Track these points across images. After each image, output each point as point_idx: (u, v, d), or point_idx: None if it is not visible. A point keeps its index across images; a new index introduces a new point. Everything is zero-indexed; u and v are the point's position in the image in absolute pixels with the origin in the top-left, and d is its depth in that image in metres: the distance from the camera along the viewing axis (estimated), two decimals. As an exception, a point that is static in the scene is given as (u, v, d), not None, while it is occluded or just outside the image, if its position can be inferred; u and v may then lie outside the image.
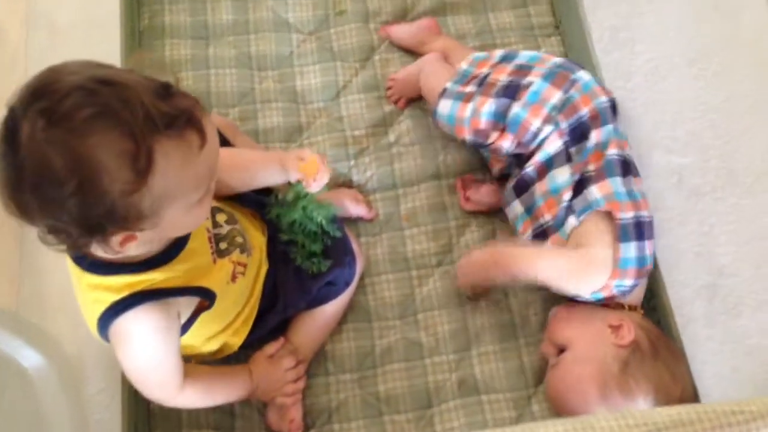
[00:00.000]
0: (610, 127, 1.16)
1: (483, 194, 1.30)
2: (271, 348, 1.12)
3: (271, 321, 1.10)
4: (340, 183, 1.31)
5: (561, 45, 1.45)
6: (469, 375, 1.19)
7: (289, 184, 1.06)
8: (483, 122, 1.19)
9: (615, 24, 1.34)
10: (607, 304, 1.12)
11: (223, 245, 0.98)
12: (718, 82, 1.28)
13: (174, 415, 1.13)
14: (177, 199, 0.75)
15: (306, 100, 1.40)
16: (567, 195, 1.13)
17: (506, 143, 1.19)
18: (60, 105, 0.67)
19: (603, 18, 1.34)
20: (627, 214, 1.09)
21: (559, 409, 1.12)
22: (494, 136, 1.19)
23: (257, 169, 1.05)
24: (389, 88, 1.41)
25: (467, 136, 1.22)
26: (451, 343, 1.21)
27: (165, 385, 0.93)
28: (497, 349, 1.21)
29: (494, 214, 1.30)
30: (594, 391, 1.03)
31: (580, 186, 1.12)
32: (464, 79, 1.27)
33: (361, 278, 1.24)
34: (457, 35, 1.46)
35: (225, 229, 1.00)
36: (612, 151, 1.13)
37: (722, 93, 1.27)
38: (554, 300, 1.23)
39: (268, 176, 1.05)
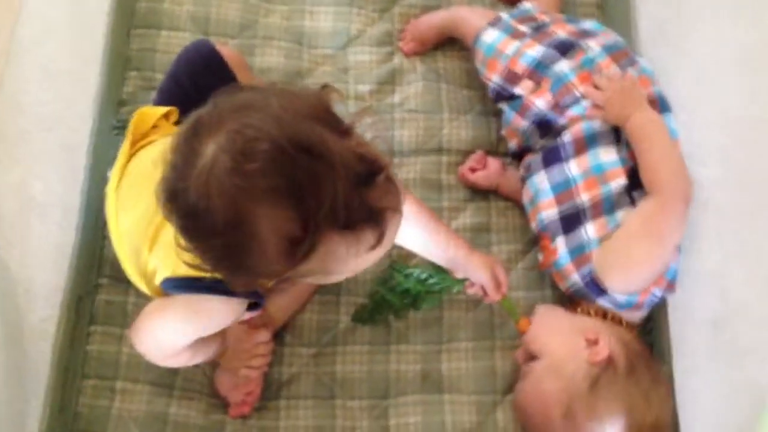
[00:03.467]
0: (670, 116, 1.07)
1: (489, 170, 1.19)
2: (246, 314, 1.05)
3: None
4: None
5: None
6: (435, 370, 1.10)
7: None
8: (520, 65, 1.11)
9: (666, 16, 1.22)
10: (604, 315, 1.03)
11: None
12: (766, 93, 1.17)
13: (111, 364, 1.06)
14: (318, 276, 0.71)
15: (311, 43, 1.29)
16: (618, 180, 1.02)
17: (541, 101, 1.09)
18: (250, 159, 0.59)
19: (653, 9, 1.23)
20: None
21: (523, 423, 1.05)
22: (527, 86, 1.11)
23: (435, 244, 0.99)
24: (404, 30, 1.29)
25: (496, 75, 1.13)
26: (422, 332, 1.12)
27: (167, 349, 0.90)
28: (470, 347, 1.11)
29: (491, 199, 1.20)
30: (557, 411, 0.95)
31: (638, 176, 1.02)
32: (523, 14, 1.18)
33: (337, 248, 1.15)
34: (490, -1, 1.33)
35: None
36: None
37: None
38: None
39: (436, 253, 1.00)
